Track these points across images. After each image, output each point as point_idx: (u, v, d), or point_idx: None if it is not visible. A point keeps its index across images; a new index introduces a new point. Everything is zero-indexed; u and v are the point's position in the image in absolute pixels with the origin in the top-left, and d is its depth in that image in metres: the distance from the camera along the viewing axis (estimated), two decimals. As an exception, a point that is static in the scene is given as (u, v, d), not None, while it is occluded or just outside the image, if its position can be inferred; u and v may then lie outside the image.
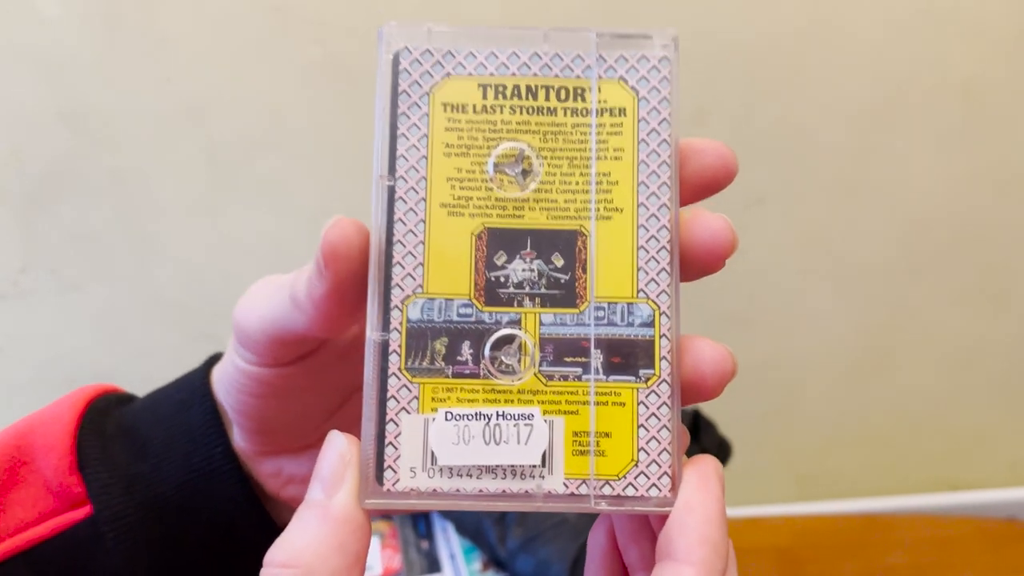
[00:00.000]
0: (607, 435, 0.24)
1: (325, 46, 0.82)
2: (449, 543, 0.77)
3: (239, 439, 0.31)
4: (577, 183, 0.25)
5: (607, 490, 0.24)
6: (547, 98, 0.26)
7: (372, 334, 0.24)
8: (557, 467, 0.24)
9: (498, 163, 0.25)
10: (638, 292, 0.25)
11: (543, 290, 0.25)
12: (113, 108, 0.82)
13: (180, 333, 0.90)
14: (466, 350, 0.24)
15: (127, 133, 0.83)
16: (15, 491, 0.30)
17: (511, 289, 0.25)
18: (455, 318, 0.24)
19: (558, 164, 0.25)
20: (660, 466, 0.24)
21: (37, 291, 0.87)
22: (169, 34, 0.81)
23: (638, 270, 0.25)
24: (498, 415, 0.24)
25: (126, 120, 0.83)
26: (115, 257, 0.87)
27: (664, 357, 0.24)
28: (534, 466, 0.24)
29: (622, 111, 0.26)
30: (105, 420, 0.32)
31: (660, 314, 0.25)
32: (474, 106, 0.26)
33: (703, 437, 0.80)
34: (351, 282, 0.24)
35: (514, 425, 0.24)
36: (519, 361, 0.24)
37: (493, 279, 0.25)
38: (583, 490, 0.24)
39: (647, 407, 0.24)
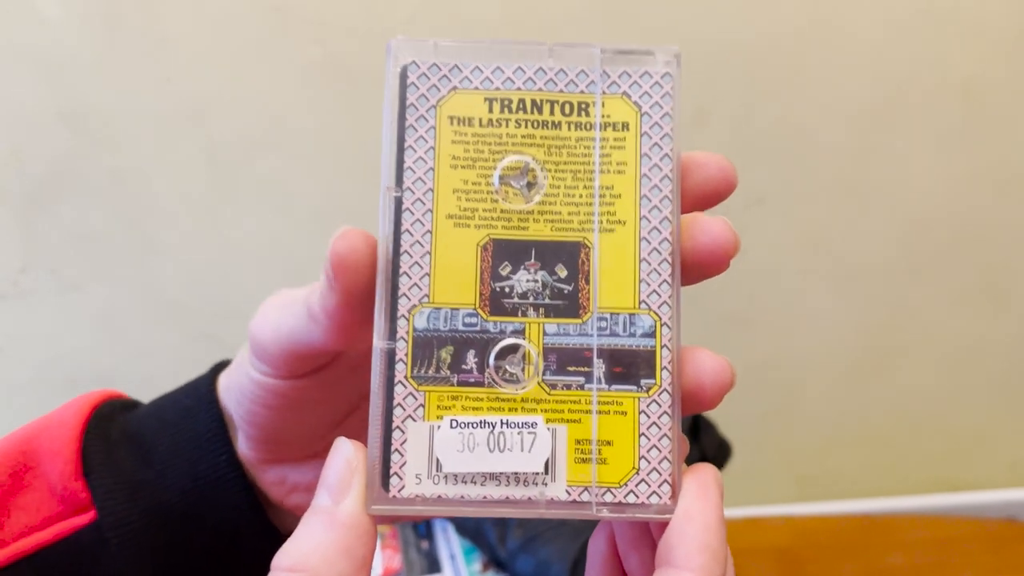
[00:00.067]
0: (609, 443, 0.24)
1: (325, 46, 0.82)
2: (449, 543, 0.78)
3: (244, 447, 0.31)
4: (581, 196, 0.26)
5: (609, 497, 0.24)
6: (552, 112, 0.26)
7: (379, 343, 0.24)
8: (560, 474, 0.24)
9: (503, 176, 0.26)
10: (640, 303, 0.25)
11: (547, 300, 0.25)
12: (113, 108, 0.82)
13: (180, 333, 0.90)
14: (471, 359, 0.24)
15: (127, 133, 0.83)
16: (20, 496, 0.30)
17: (515, 299, 0.25)
18: (460, 327, 0.25)
19: (562, 177, 0.26)
20: (661, 474, 0.24)
21: (37, 291, 0.87)
22: (169, 34, 0.80)
23: (640, 281, 0.25)
24: (502, 423, 0.24)
25: (126, 120, 0.83)
26: (115, 257, 0.87)
27: (665, 367, 0.25)
28: (537, 473, 0.24)
29: (625, 125, 0.26)
30: (110, 426, 0.32)
31: (661, 325, 0.25)
32: (480, 119, 0.26)
33: (703, 438, 0.80)
34: (362, 292, 0.25)
35: (518, 433, 0.24)
36: (523, 370, 0.25)
37: (498, 289, 0.25)
38: (585, 497, 0.24)
39: (648, 416, 0.24)
